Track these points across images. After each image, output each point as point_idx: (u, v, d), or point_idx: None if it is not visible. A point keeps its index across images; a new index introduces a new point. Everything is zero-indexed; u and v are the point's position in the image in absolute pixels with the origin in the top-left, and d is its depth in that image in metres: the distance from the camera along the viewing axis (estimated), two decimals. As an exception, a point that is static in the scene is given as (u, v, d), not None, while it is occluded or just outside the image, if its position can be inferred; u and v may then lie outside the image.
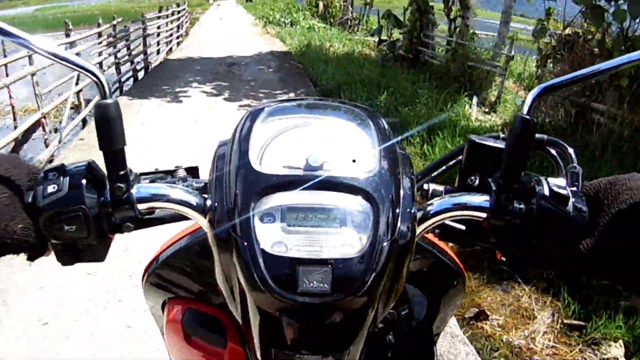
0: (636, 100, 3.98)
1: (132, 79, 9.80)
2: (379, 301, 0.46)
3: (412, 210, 0.46)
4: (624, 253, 0.45)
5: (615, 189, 0.47)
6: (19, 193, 0.46)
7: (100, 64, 7.97)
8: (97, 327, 2.20)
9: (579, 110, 4.60)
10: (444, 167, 0.65)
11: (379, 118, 0.52)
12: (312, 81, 8.16)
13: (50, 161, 4.95)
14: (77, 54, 5.94)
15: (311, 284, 0.41)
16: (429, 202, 0.50)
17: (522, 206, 0.47)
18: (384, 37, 10.98)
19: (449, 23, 8.35)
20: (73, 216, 0.45)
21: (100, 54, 8.06)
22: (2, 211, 0.45)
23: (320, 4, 19.87)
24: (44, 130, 5.66)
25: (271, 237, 0.43)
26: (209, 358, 0.62)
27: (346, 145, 0.48)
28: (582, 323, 2.25)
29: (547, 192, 0.46)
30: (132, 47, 9.86)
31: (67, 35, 6.80)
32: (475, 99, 6.32)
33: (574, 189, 0.48)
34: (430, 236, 0.62)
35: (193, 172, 0.59)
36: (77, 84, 6.41)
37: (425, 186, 0.56)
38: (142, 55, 10.67)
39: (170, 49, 13.56)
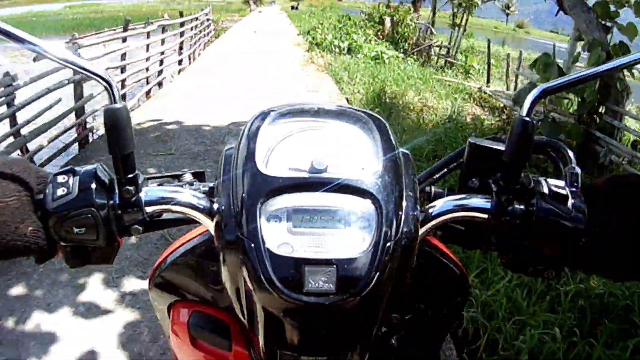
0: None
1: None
2: (383, 302, 0.46)
3: (415, 212, 0.47)
4: (623, 251, 0.46)
5: (614, 188, 0.47)
6: (28, 196, 0.47)
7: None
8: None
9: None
10: (445, 170, 0.65)
11: (382, 122, 0.53)
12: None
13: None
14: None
15: (317, 284, 0.42)
16: (431, 204, 0.50)
17: (522, 207, 0.48)
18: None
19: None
20: (82, 219, 0.45)
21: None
22: (11, 214, 0.45)
23: (387, 21, 14.62)
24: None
25: (277, 238, 0.44)
26: None
27: (350, 148, 0.50)
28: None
29: (547, 193, 0.47)
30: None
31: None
32: None
33: (574, 189, 0.48)
34: (432, 239, 0.61)
35: (199, 176, 0.61)
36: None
37: (427, 189, 0.57)
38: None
39: (159, 84, 8.13)
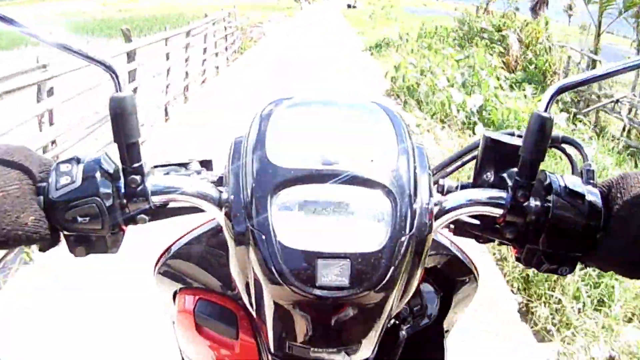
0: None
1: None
2: (395, 296, 0.46)
3: (429, 206, 0.47)
4: (637, 247, 0.45)
5: (628, 184, 0.47)
6: (30, 184, 0.46)
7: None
8: None
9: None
10: (459, 163, 0.65)
11: (396, 115, 0.52)
12: None
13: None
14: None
15: (329, 278, 0.42)
16: (445, 198, 0.50)
17: (538, 203, 0.47)
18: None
19: None
20: (87, 208, 0.45)
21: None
22: (13, 203, 0.44)
23: (511, 40, 9.27)
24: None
25: (289, 231, 0.43)
26: (220, 349, 0.62)
27: (364, 140, 0.49)
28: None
29: (563, 189, 0.46)
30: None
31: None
32: None
33: (589, 186, 0.48)
34: (444, 232, 0.60)
35: (207, 165, 0.59)
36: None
37: (441, 181, 0.56)
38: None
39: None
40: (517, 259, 0.51)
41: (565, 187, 0.46)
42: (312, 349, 0.46)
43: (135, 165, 0.47)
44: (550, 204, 0.46)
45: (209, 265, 0.65)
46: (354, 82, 8.04)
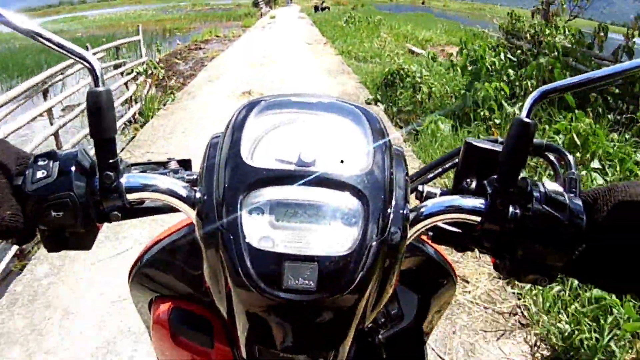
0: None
1: None
2: (367, 301, 0.45)
3: (405, 211, 0.46)
4: (621, 261, 0.43)
5: (614, 196, 0.45)
6: (7, 178, 0.46)
7: None
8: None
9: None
10: (439, 169, 0.64)
11: (375, 117, 0.51)
12: None
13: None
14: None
15: (296, 281, 0.41)
16: (422, 204, 0.49)
17: (517, 211, 0.46)
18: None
19: None
20: (61, 202, 0.44)
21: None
22: None
23: None
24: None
25: (258, 232, 0.42)
26: (196, 357, 0.61)
27: (340, 142, 0.48)
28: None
29: (543, 197, 0.45)
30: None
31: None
32: None
33: (572, 195, 0.47)
34: (421, 237, 0.59)
35: (185, 164, 0.59)
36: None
37: (420, 188, 0.55)
38: None
39: None
40: (496, 268, 0.49)
41: (546, 195, 0.45)
42: (281, 354, 0.45)
43: (111, 161, 0.46)
44: (530, 213, 0.45)
45: (183, 272, 0.64)
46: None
